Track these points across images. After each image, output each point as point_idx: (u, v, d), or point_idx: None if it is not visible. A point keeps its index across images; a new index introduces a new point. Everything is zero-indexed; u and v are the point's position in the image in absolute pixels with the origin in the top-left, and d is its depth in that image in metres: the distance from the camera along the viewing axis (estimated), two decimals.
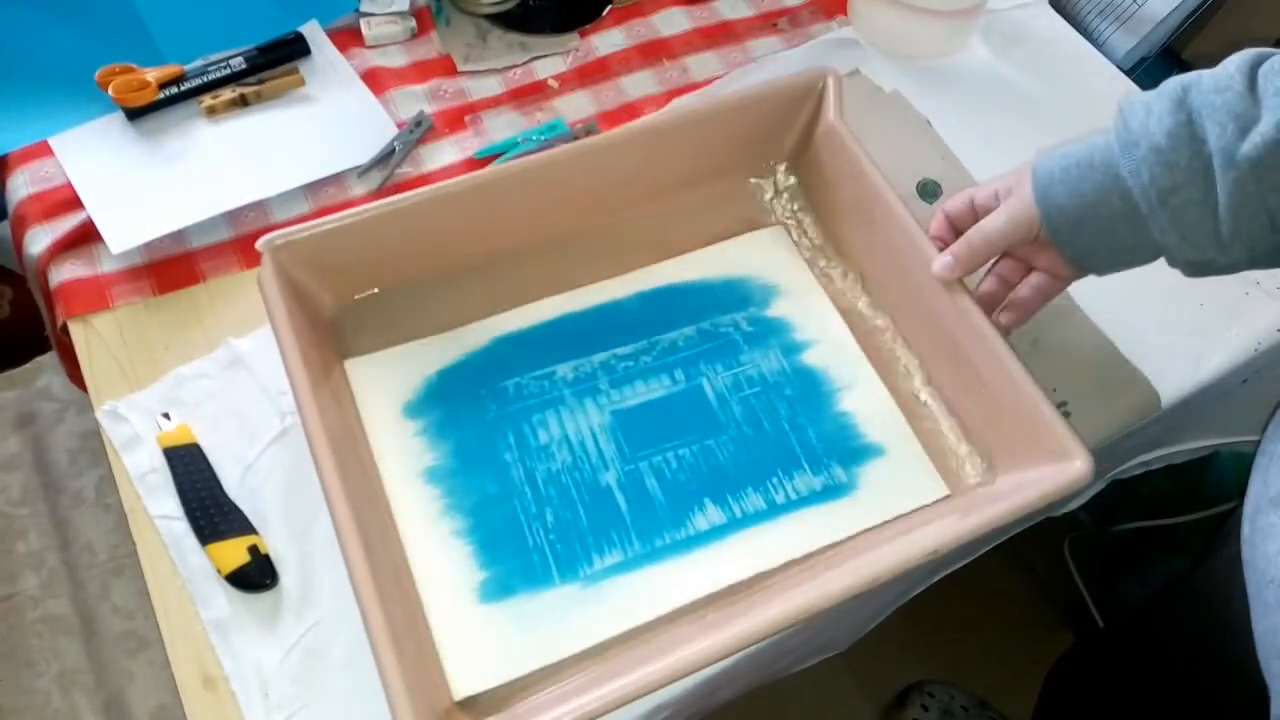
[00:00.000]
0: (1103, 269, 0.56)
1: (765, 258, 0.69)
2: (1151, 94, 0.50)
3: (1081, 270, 0.57)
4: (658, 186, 0.69)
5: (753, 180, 0.71)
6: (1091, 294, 0.66)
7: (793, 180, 0.71)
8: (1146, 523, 1.01)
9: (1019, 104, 0.77)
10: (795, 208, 0.71)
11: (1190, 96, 0.48)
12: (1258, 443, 0.54)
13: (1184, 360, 0.65)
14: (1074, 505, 0.77)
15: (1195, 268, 0.52)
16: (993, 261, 0.61)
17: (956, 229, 0.60)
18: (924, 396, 0.62)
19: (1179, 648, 0.78)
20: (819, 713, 1.05)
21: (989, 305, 0.60)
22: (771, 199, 0.71)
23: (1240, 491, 0.53)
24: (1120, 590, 1.07)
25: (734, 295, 0.67)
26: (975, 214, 0.59)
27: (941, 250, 0.60)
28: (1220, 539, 0.70)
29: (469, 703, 0.52)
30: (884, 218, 0.63)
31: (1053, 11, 0.84)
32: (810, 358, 0.65)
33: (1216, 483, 0.93)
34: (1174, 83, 0.49)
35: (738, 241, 0.70)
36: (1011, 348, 0.57)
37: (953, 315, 0.59)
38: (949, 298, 0.59)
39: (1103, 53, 0.81)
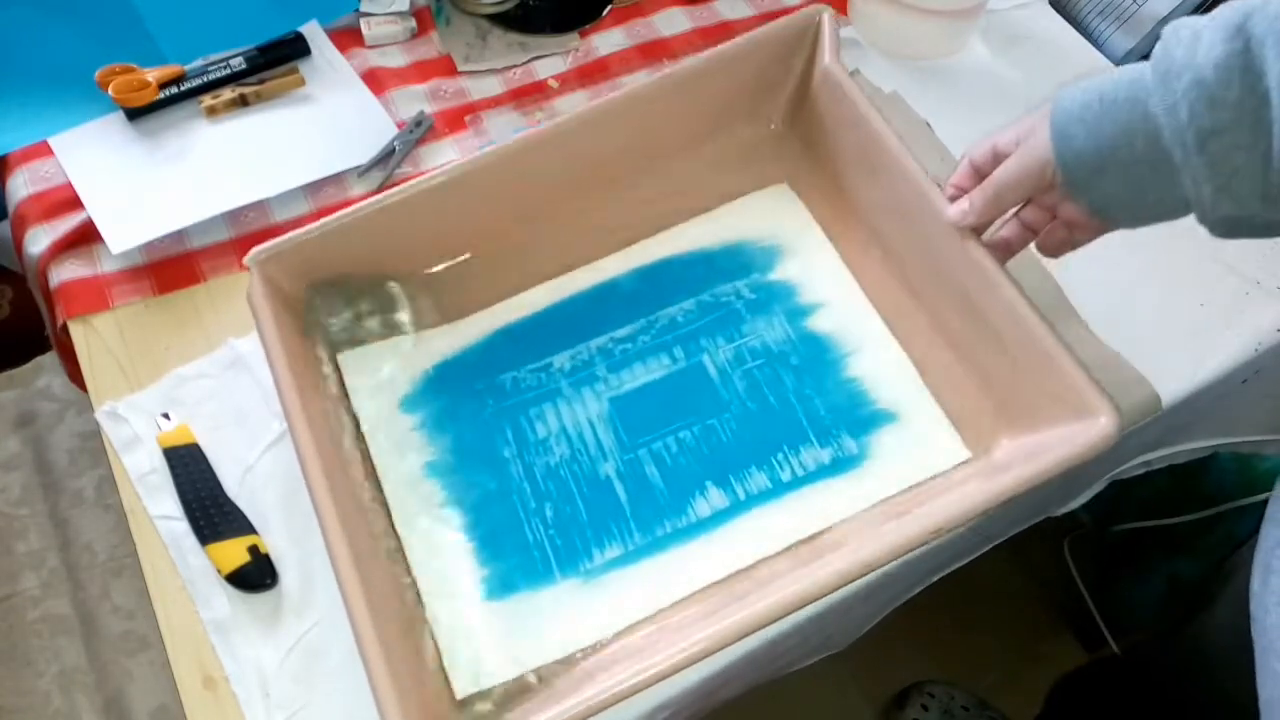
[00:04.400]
0: (1128, 222, 0.49)
1: (768, 219, 0.66)
2: (1203, 18, 0.43)
3: (1106, 223, 0.50)
4: (651, 155, 0.66)
5: (751, 138, 0.68)
6: (1091, 294, 0.66)
7: (793, 133, 0.67)
8: (1146, 523, 1.01)
9: (1019, 104, 0.77)
10: (797, 162, 0.67)
11: (1252, 23, 0.40)
12: (1270, 496, 0.51)
13: (1184, 360, 0.65)
14: (1074, 505, 0.77)
15: (1229, 225, 0.45)
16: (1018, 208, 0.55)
17: (982, 177, 0.55)
18: (938, 354, 0.59)
19: (1191, 682, 0.75)
20: (819, 713, 1.05)
21: (1003, 253, 0.55)
22: (772, 155, 0.67)
23: (1239, 491, 0.53)
24: (1120, 590, 1.07)
25: (734, 262, 0.65)
26: (996, 161, 0.53)
27: (953, 197, 0.55)
28: (1231, 566, 0.67)
29: (472, 700, 0.52)
30: (887, 165, 0.60)
31: (1053, 11, 0.84)
32: (817, 322, 0.62)
33: (1216, 483, 0.92)
34: (1232, 7, 0.42)
35: (739, 203, 0.67)
36: (1029, 300, 0.53)
37: (964, 265, 0.55)
38: (960, 246, 0.55)
39: (1103, 53, 0.81)
